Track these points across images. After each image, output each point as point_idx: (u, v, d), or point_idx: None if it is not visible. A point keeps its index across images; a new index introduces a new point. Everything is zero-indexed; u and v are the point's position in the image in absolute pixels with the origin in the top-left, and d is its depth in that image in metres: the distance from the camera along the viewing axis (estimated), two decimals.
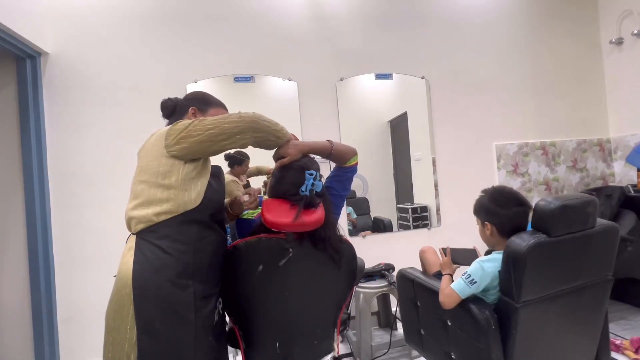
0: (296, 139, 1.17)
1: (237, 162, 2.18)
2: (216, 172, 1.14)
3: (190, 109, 1.17)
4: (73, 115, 2.11)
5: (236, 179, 2.20)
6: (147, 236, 0.98)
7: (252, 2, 2.38)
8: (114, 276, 1.00)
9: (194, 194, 1.01)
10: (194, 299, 0.97)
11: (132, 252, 0.96)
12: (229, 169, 2.20)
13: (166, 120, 1.21)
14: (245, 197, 1.24)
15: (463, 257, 1.44)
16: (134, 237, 0.99)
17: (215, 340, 1.05)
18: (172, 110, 1.20)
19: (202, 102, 1.20)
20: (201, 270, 1.01)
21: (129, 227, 1.02)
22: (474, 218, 1.40)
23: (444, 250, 1.47)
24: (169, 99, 1.21)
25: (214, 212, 1.08)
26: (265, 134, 1.07)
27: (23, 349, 1.99)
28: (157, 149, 1.01)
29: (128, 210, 1.01)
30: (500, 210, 1.29)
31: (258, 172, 2.34)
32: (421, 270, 1.63)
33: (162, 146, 1.00)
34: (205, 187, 1.05)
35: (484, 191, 1.38)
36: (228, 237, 1.50)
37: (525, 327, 1.18)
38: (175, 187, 0.99)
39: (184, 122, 1.01)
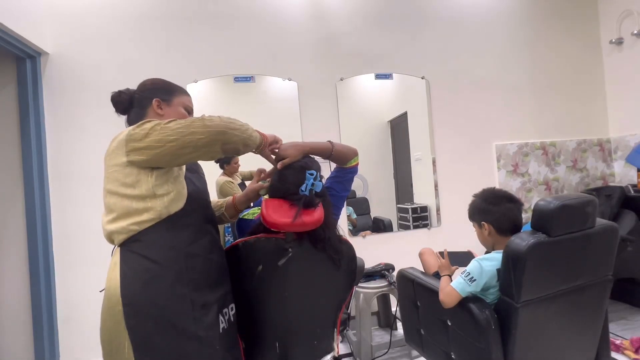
0: (265, 139, 1.04)
1: (226, 161, 2.18)
2: (192, 167, 1.08)
3: (154, 101, 1.06)
4: (73, 115, 2.11)
5: (230, 179, 2.20)
6: (132, 247, 0.91)
7: (252, 2, 2.38)
8: (100, 291, 0.94)
9: (173, 197, 0.94)
10: (192, 308, 0.91)
11: (118, 266, 0.89)
12: (221, 170, 2.21)
13: (124, 117, 1.11)
14: (264, 189, 1.15)
15: (459, 260, 1.44)
16: (118, 250, 0.92)
17: (224, 350, 0.97)
18: (129, 104, 1.08)
19: (164, 92, 1.09)
20: (196, 276, 0.94)
21: (112, 241, 0.94)
22: None
23: (441, 253, 1.47)
24: (121, 91, 1.08)
25: (202, 211, 1.03)
26: (235, 145, 0.94)
27: (23, 349, 1.99)
28: (119, 157, 0.92)
29: (104, 224, 0.93)
30: (493, 208, 1.32)
31: (251, 176, 2.34)
32: (422, 270, 1.63)
33: (123, 154, 0.91)
34: (184, 186, 0.98)
35: (475, 195, 1.42)
36: (229, 237, 1.50)
37: (525, 327, 1.18)
38: (149, 196, 0.91)
39: (144, 127, 0.90)
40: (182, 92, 1.14)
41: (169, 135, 0.88)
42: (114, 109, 1.10)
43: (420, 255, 1.65)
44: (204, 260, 0.98)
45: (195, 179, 1.06)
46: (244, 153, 1.01)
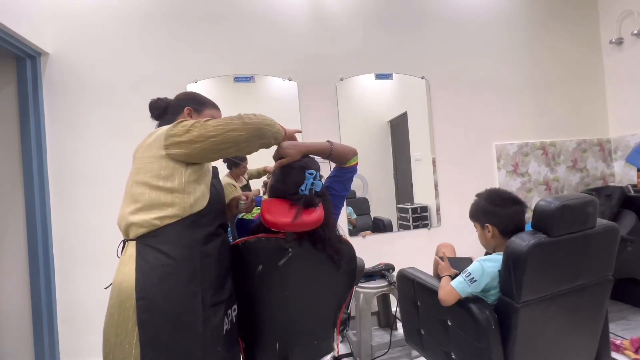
0: (292, 137, 1.15)
1: (235, 164, 2.18)
2: (215, 172, 1.12)
3: (186, 109, 1.12)
4: (73, 115, 2.11)
5: (233, 182, 2.19)
6: (150, 241, 0.91)
7: (252, 2, 2.38)
8: (106, 288, 0.94)
9: (199, 197, 0.97)
10: (202, 307, 0.93)
11: (134, 259, 0.90)
12: (227, 170, 2.20)
13: (156, 122, 1.17)
14: (242, 201, 1.21)
15: (460, 266, 1.42)
16: (133, 243, 0.93)
17: (225, 351, 1.00)
18: (163, 111, 1.16)
19: (196, 103, 1.15)
20: (209, 276, 0.96)
21: (127, 234, 0.95)
22: None
23: (441, 258, 1.45)
24: (159, 99, 1.16)
25: (219, 215, 1.06)
26: (268, 140, 1.03)
27: (23, 349, 1.99)
28: (156, 150, 0.95)
29: (125, 215, 0.94)
30: (500, 210, 1.30)
31: (258, 174, 2.34)
32: (422, 270, 1.61)
33: (161, 147, 0.95)
34: (209, 189, 1.01)
35: (478, 195, 1.40)
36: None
37: (525, 327, 1.18)
38: (179, 191, 0.94)
39: (184, 125, 0.95)
40: (214, 106, 1.20)
41: (210, 131, 0.94)
42: (149, 114, 1.19)
43: (438, 246, 1.60)
44: (216, 261, 1.00)
45: (217, 184, 1.09)
46: (272, 146, 1.09)
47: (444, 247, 1.60)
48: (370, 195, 2.59)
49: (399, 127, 2.67)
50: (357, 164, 1.26)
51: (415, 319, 1.52)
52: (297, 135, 1.21)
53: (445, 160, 2.68)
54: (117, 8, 2.19)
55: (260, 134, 0.99)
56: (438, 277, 1.48)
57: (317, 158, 1.18)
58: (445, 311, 1.31)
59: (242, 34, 2.36)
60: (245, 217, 1.25)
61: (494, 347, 1.18)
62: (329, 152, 1.19)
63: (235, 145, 0.96)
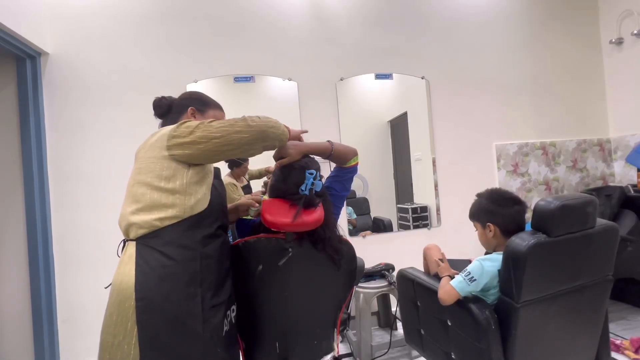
0: (298, 138, 1.17)
1: (236, 164, 2.18)
2: (217, 173, 1.12)
3: (189, 109, 1.12)
4: (73, 115, 2.11)
5: (234, 182, 2.19)
6: (150, 242, 0.91)
7: (252, 2, 2.38)
8: (106, 287, 0.94)
9: (199, 198, 0.97)
10: (202, 309, 0.92)
11: (133, 260, 0.90)
12: (228, 170, 2.20)
13: (159, 120, 1.17)
14: (254, 207, 1.21)
15: (460, 267, 1.42)
16: (133, 244, 0.92)
17: (225, 352, 1.00)
18: (167, 109, 1.15)
19: (200, 103, 1.15)
20: (209, 277, 0.96)
21: (127, 234, 0.95)
22: None
23: (440, 260, 1.45)
24: (163, 97, 1.15)
25: (219, 216, 1.05)
26: (272, 142, 1.02)
27: (23, 349, 1.99)
28: (159, 151, 0.95)
29: (126, 214, 0.94)
30: (502, 210, 1.30)
31: (259, 174, 2.34)
32: (423, 269, 1.62)
33: (163, 147, 0.95)
34: (210, 190, 1.01)
35: (479, 195, 1.40)
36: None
37: (525, 327, 1.18)
38: (180, 192, 0.94)
39: (188, 126, 0.95)
40: (217, 106, 1.19)
41: (213, 132, 0.94)
42: (153, 113, 1.18)
43: (426, 250, 1.60)
44: (216, 262, 1.00)
45: (218, 185, 1.08)
46: (275, 149, 1.10)
47: (431, 249, 1.57)
48: (370, 195, 2.59)
49: (399, 127, 2.67)
50: (357, 164, 1.26)
51: (415, 319, 1.52)
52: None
53: (445, 160, 2.68)
54: (117, 8, 2.19)
55: (264, 136, 0.99)
56: (437, 277, 1.48)
57: (317, 158, 1.18)
58: (445, 311, 1.31)
59: (242, 34, 2.36)
60: (245, 217, 1.25)
61: (494, 347, 1.18)
62: (329, 152, 1.19)
63: (239, 148, 0.96)
